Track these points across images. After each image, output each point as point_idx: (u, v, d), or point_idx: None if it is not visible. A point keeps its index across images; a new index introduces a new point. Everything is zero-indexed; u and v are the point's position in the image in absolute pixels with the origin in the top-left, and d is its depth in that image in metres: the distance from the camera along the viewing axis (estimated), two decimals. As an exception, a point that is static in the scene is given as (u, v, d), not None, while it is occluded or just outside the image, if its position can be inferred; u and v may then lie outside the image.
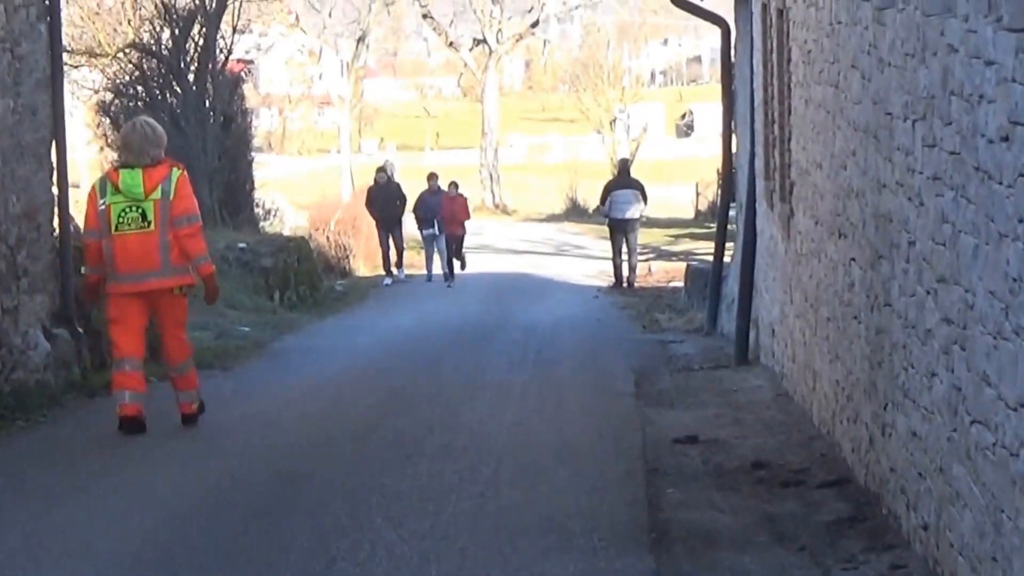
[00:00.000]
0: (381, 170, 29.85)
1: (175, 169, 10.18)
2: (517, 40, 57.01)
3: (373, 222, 29.21)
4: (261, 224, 29.53)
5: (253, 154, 28.57)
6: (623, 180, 26.79)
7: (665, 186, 51.51)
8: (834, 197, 8.89)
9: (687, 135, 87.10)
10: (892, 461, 7.10)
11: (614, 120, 59.56)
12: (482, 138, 54.92)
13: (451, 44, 57.16)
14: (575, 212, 49.23)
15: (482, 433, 10.23)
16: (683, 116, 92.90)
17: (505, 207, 53.30)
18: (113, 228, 10.07)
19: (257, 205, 46.65)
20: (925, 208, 6.30)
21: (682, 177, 55.09)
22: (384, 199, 28.57)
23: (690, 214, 47.08)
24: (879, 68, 7.32)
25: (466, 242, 29.50)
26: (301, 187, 51.97)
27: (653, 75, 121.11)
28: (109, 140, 25.61)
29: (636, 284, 26.30)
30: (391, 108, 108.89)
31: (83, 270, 10.92)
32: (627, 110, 61.26)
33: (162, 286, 10.10)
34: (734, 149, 16.71)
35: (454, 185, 28.97)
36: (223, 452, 9.72)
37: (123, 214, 10.05)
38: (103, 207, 10.09)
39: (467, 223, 29.09)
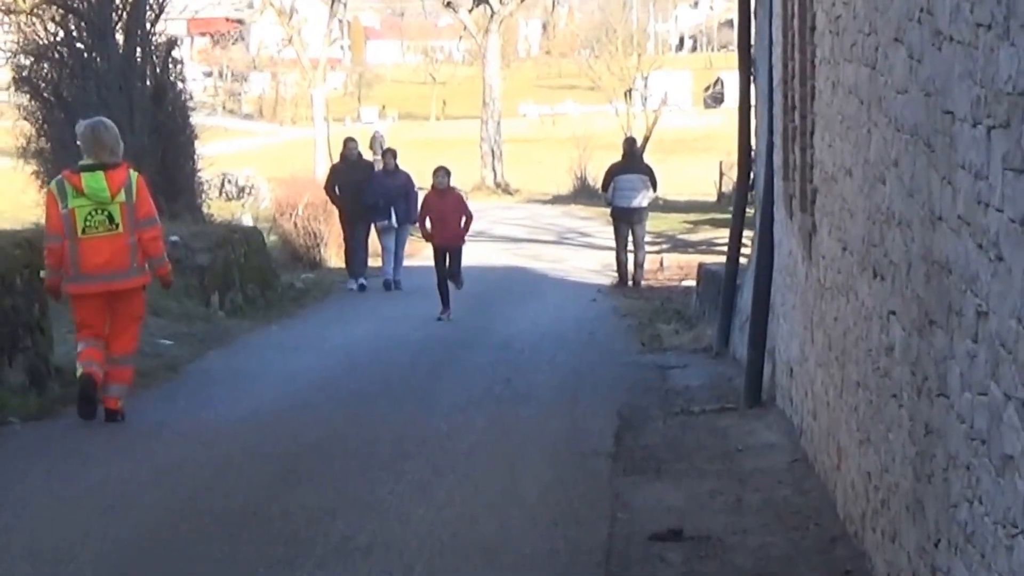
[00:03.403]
0: (351, 141, 23.86)
1: (132, 171, 10.97)
2: (521, 0, 54.55)
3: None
4: (206, 207, 26.82)
5: (194, 126, 25.37)
6: (629, 163, 24.49)
7: (686, 162, 49.33)
8: (868, 220, 6.89)
9: (715, 106, 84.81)
10: (947, 631, 5.12)
11: (629, 90, 57.22)
12: (483, 109, 52.38)
13: (448, 4, 54.69)
14: (584, 193, 46.82)
15: (399, 519, 8.25)
16: (708, 87, 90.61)
17: (507, 186, 50.91)
18: (80, 231, 10.77)
19: (228, 182, 44.72)
20: (1006, 266, 4.31)
21: (707, 152, 52.78)
22: (352, 182, 22.69)
23: (712, 196, 44.82)
24: (934, 44, 5.33)
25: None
26: (287, 160, 49.81)
27: (682, 40, 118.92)
28: (24, 113, 23.28)
29: (643, 282, 24.26)
30: (395, 73, 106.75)
31: (41, 274, 11.37)
32: (646, 79, 58.93)
33: (127, 287, 11.01)
34: (753, 135, 14.68)
35: (445, 173, 19.72)
36: (44, 542, 7.76)
37: (90, 217, 10.76)
38: (66, 211, 10.74)
39: (467, 228, 19.90)
